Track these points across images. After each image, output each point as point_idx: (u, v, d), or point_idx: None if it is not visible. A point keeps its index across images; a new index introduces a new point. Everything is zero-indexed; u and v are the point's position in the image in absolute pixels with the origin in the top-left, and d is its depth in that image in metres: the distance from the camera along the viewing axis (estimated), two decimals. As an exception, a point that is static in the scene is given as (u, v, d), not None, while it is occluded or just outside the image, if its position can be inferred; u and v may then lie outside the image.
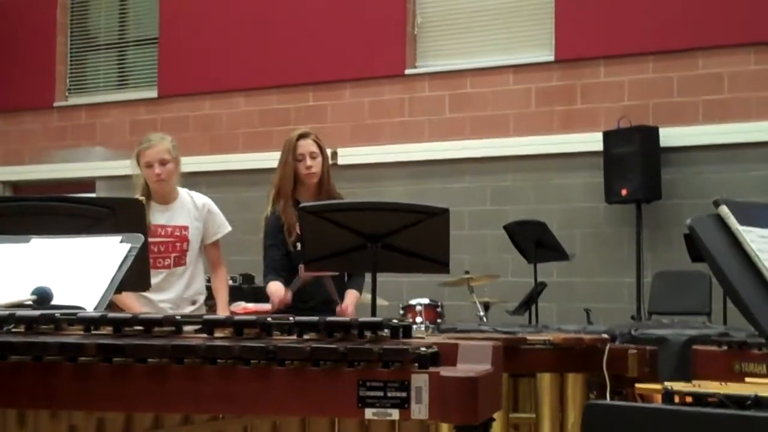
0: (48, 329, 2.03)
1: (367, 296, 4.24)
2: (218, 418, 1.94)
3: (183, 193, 4.79)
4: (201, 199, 4.83)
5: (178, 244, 4.68)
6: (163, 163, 4.66)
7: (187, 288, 4.71)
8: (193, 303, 4.74)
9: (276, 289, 4.47)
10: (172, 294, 4.67)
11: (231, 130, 9.68)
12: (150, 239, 4.60)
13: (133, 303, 4.54)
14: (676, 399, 1.87)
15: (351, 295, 4.57)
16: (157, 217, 4.67)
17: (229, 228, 4.86)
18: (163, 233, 4.66)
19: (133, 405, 1.85)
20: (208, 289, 4.93)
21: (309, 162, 4.54)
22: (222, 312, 4.77)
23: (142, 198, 4.58)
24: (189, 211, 4.74)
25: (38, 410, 1.88)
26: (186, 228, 4.71)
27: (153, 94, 10.21)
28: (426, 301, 7.07)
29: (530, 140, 8.45)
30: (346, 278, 4.66)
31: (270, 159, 9.17)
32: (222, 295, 4.85)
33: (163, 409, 1.87)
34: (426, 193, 8.46)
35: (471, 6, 8.97)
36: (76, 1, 10.82)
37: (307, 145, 4.57)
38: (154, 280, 4.62)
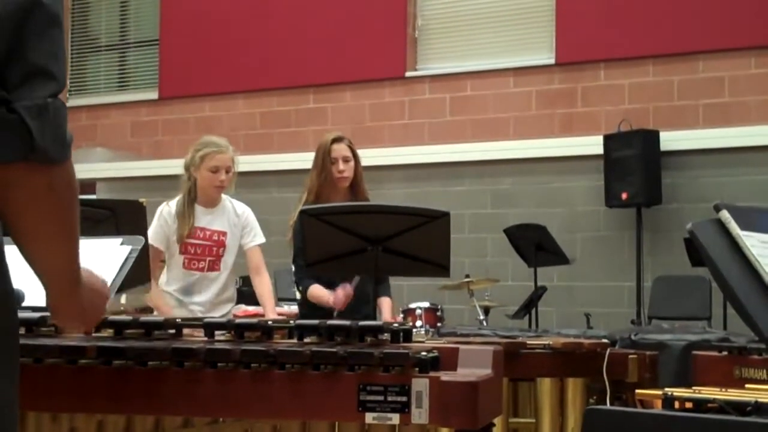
0: (48, 332, 2.03)
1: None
2: (218, 421, 1.94)
3: (225, 199, 4.82)
4: (241, 207, 4.87)
5: (214, 249, 4.71)
6: (228, 171, 4.69)
7: (220, 293, 4.74)
8: (224, 308, 4.76)
9: (324, 295, 4.40)
10: (205, 297, 4.70)
11: (231, 131, 9.65)
12: (188, 240, 4.64)
13: (162, 303, 4.57)
14: (677, 405, 1.87)
15: (386, 305, 4.55)
16: (199, 219, 4.71)
17: (263, 240, 4.87)
18: (202, 236, 4.70)
19: (133, 408, 1.86)
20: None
21: (342, 166, 4.56)
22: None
23: (143, 200, 4.59)
24: (229, 217, 4.78)
25: (39, 412, 1.88)
26: (224, 234, 4.74)
27: (154, 95, 10.21)
28: (426, 304, 7.05)
29: (531, 143, 8.44)
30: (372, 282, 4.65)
31: (270, 161, 9.27)
32: (269, 301, 4.83)
33: (163, 412, 1.88)
34: (426, 196, 8.45)
35: (472, 9, 8.96)
36: (76, 3, 10.82)
37: (341, 150, 4.59)
38: (186, 282, 4.67)
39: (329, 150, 4.57)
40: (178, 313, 4.47)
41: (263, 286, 4.85)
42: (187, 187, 4.74)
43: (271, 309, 4.82)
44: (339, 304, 4.31)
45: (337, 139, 4.62)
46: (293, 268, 4.60)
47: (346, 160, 4.58)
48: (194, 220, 4.69)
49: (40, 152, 1.40)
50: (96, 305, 1.69)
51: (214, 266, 4.72)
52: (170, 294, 4.69)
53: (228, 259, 4.75)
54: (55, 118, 1.41)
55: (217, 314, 4.62)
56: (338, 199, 4.52)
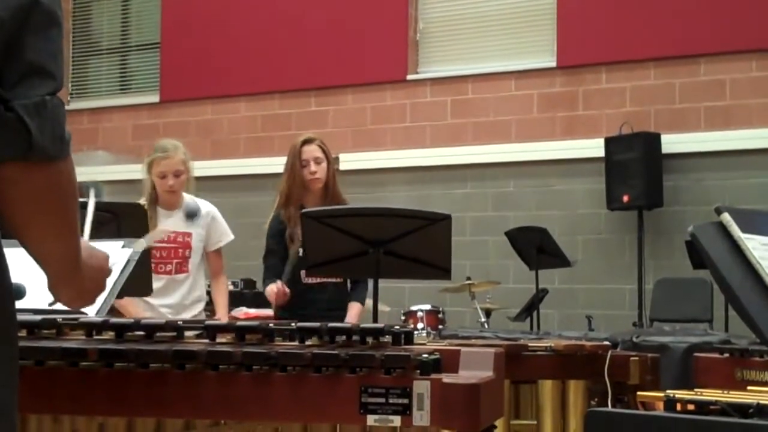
0: (50, 334, 2.03)
1: (370, 302, 4.24)
2: (219, 423, 1.94)
3: (188, 199, 4.80)
4: (205, 206, 4.84)
5: (180, 251, 4.69)
6: (177, 174, 4.68)
7: (188, 294, 4.72)
8: (193, 309, 4.74)
9: (270, 289, 4.46)
10: (174, 300, 4.68)
11: (232, 135, 9.68)
12: (152, 244, 4.62)
13: (133, 308, 4.55)
14: (678, 407, 1.87)
15: (354, 309, 4.55)
16: (162, 221, 4.69)
17: (232, 237, 4.87)
18: (166, 239, 4.67)
19: (134, 410, 1.85)
20: (208, 295, 4.95)
21: (313, 167, 4.53)
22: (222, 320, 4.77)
23: (144, 203, 4.60)
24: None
25: (40, 415, 1.88)
26: (189, 235, 4.72)
27: (155, 98, 10.22)
28: (427, 307, 7.06)
29: (532, 146, 8.44)
30: (348, 286, 4.66)
31: (272, 164, 9.24)
32: (222, 304, 4.86)
33: (165, 415, 1.87)
34: (427, 199, 8.46)
35: (473, 12, 8.97)
36: (78, 6, 10.83)
37: (312, 151, 4.57)
38: (155, 285, 4.63)
39: (299, 152, 4.56)
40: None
41: (219, 289, 4.90)
42: (147, 191, 4.73)
43: (224, 312, 4.85)
44: (272, 299, 4.38)
45: (307, 141, 4.61)
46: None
47: (317, 162, 4.55)
48: (156, 223, 4.67)
49: (39, 150, 1.40)
50: (97, 280, 1.71)
51: (181, 268, 4.71)
52: (140, 298, 4.66)
53: (195, 260, 4.74)
54: (53, 116, 1.42)
55: (187, 316, 4.61)
56: (311, 202, 4.51)
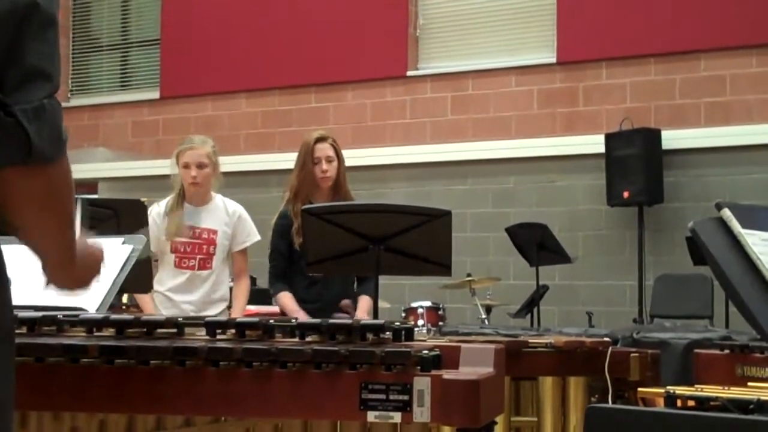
0: (50, 330, 2.03)
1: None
2: (220, 420, 1.94)
3: (217, 198, 4.81)
4: (233, 205, 4.85)
5: (204, 247, 4.69)
6: (200, 166, 4.68)
7: (212, 292, 4.72)
8: (217, 307, 4.74)
9: (290, 306, 4.48)
10: (196, 296, 4.68)
11: (233, 131, 9.68)
12: (177, 238, 4.63)
13: (149, 306, 4.57)
14: (679, 403, 1.87)
15: (364, 303, 4.57)
16: (188, 217, 4.69)
17: (258, 237, 4.86)
18: (191, 234, 4.68)
19: (134, 406, 1.85)
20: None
21: (325, 166, 4.56)
22: None
23: (145, 199, 4.60)
24: (220, 216, 4.76)
25: (40, 411, 1.88)
26: (215, 232, 4.72)
27: (155, 95, 10.22)
28: (428, 303, 7.06)
29: (532, 142, 8.45)
30: (355, 282, 4.67)
31: (273, 161, 9.27)
32: (240, 303, 4.85)
33: (165, 411, 1.87)
34: (428, 195, 8.46)
35: (473, 8, 8.97)
36: (78, 3, 10.83)
37: (324, 149, 4.59)
38: (177, 281, 4.65)
39: (312, 149, 4.59)
40: (168, 314, 4.45)
41: (241, 289, 4.89)
42: (177, 186, 4.75)
43: (240, 312, 4.84)
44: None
45: (320, 139, 4.63)
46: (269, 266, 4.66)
47: (329, 160, 4.58)
48: (182, 219, 4.67)
49: (38, 154, 1.40)
50: (90, 267, 1.73)
51: (205, 264, 4.70)
52: (162, 294, 4.66)
53: (219, 257, 4.74)
54: (51, 119, 1.42)
55: (209, 314, 4.60)
56: (320, 199, 4.53)
